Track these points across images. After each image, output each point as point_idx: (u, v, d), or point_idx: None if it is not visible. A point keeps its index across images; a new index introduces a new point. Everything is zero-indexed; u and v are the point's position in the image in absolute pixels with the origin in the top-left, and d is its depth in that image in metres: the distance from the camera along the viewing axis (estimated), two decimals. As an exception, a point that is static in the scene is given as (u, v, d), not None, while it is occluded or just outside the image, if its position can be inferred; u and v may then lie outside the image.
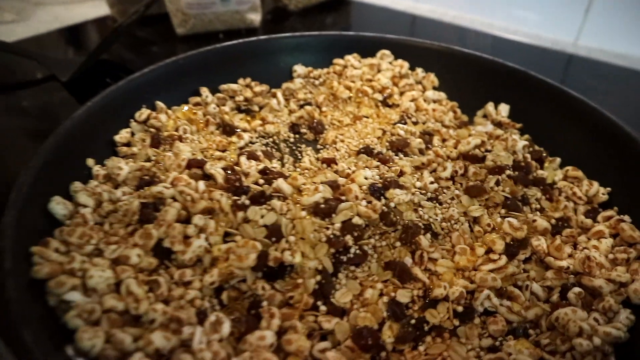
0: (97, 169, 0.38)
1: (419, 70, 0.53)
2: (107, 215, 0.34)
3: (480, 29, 0.83)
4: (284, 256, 0.30)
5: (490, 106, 0.49)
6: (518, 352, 0.27)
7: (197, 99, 0.48)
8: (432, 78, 0.52)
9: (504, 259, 0.32)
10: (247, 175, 0.38)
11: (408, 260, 0.32)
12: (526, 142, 0.43)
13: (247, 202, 0.33)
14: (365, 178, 0.37)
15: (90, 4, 0.95)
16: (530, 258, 0.34)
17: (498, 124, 0.47)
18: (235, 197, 0.34)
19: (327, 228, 0.32)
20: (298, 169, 0.41)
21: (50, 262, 0.28)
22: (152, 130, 0.43)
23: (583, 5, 0.78)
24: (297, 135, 0.47)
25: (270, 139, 0.47)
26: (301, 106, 0.50)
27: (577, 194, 0.38)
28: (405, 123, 0.46)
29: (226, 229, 0.32)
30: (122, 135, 0.42)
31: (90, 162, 0.39)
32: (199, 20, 0.74)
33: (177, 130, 0.43)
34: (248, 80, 0.51)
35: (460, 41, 0.81)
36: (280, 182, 0.34)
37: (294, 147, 0.46)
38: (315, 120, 0.47)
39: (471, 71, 0.51)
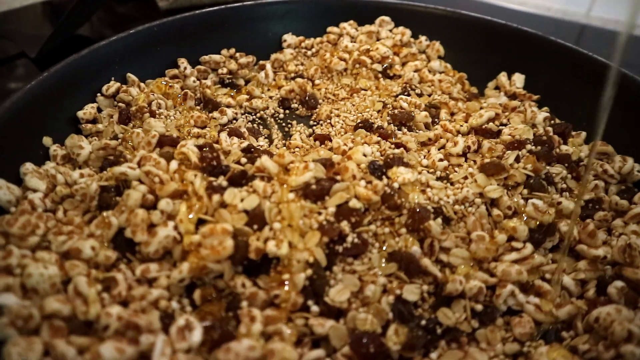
0: (54, 149, 0.34)
1: (423, 38, 0.48)
2: (61, 200, 0.29)
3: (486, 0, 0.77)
4: (268, 247, 0.25)
5: (503, 76, 0.44)
6: (551, 360, 0.22)
7: (174, 71, 0.43)
8: (437, 46, 0.47)
9: (529, 247, 0.28)
10: (227, 153, 0.33)
11: (416, 250, 0.27)
12: (547, 114, 0.38)
13: (225, 183, 0.28)
14: (364, 155, 0.31)
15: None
16: (558, 246, 0.29)
17: (512, 96, 0.43)
18: (212, 178, 0.29)
19: (319, 213, 0.27)
20: (287, 147, 0.36)
21: (-20, 257, 0.23)
22: (121, 105, 0.38)
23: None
24: (287, 111, 0.43)
25: (257, 115, 0.42)
26: (292, 79, 0.45)
27: (609, 171, 0.33)
28: (408, 95, 0.41)
29: (200, 215, 0.27)
30: (87, 111, 0.37)
31: (47, 140, 0.34)
32: (183, -6, 0.69)
33: (149, 105, 0.38)
34: (232, 51, 0.47)
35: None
36: (264, 160, 0.29)
37: (283, 124, 0.41)
38: (307, 94, 0.42)
39: (481, 38, 0.47)
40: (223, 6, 0.47)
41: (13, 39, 0.60)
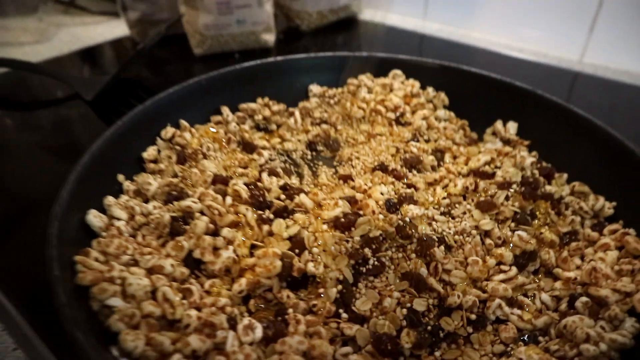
0: (127, 185, 0.41)
1: (430, 90, 0.55)
2: (139, 227, 0.36)
3: (487, 47, 0.85)
4: (308, 267, 0.32)
5: (499, 124, 0.51)
6: (528, 357, 0.29)
7: (218, 118, 0.51)
8: (443, 97, 0.54)
9: (514, 270, 0.34)
10: (269, 190, 0.40)
11: (423, 271, 0.34)
12: (534, 159, 0.45)
13: (271, 216, 0.36)
14: (381, 194, 0.39)
15: (109, 25, 0.99)
16: (539, 269, 0.36)
17: (507, 141, 0.49)
18: (260, 212, 0.36)
19: (347, 241, 0.34)
20: (316, 185, 0.43)
21: (92, 270, 0.30)
22: (177, 147, 0.46)
23: (587, 22, 0.80)
24: (314, 153, 0.50)
25: (288, 156, 0.49)
26: (317, 124, 0.53)
27: (584, 208, 0.40)
28: (417, 141, 0.49)
29: (252, 241, 0.34)
30: (150, 153, 0.45)
31: (120, 177, 0.41)
32: (215, 41, 0.77)
33: (201, 147, 0.46)
34: (266, 99, 0.54)
35: (468, 60, 0.83)
36: (302, 197, 0.36)
37: (311, 164, 0.48)
38: (331, 138, 0.49)
39: (480, 90, 0.53)
40: (258, 61, 0.55)
41: (67, 81, 0.69)
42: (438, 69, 0.56)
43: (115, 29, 0.97)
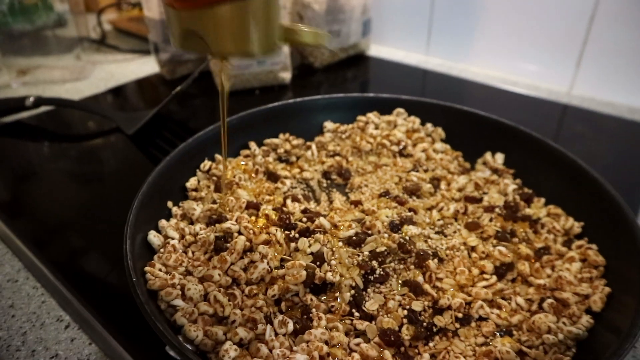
0: (175, 210, 0.49)
1: (429, 125, 0.63)
2: (189, 245, 0.45)
3: (484, 81, 0.93)
4: (327, 276, 0.40)
5: (488, 155, 0.59)
6: (503, 345, 0.36)
7: (246, 152, 0.59)
8: (440, 131, 0.63)
9: (494, 278, 0.42)
10: (292, 214, 0.48)
11: (420, 279, 0.42)
12: (516, 186, 0.53)
13: (297, 235, 0.44)
14: (386, 216, 0.47)
15: (139, 62, 1.09)
16: (516, 278, 0.43)
17: (495, 170, 0.57)
18: (287, 232, 0.44)
19: (358, 255, 0.43)
20: (331, 209, 0.52)
21: (159, 278, 0.38)
22: (214, 178, 0.54)
23: (574, 57, 0.88)
24: (328, 181, 0.58)
25: (307, 184, 0.57)
26: (331, 156, 0.61)
27: (557, 227, 0.48)
28: (417, 171, 0.57)
29: (282, 256, 0.42)
30: (191, 182, 0.53)
31: (169, 204, 0.50)
32: (238, 79, 0.86)
33: (234, 177, 0.54)
34: (287, 135, 0.62)
35: (466, 93, 0.92)
36: (321, 220, 0.45)
37: (326, 191, 0.56)
38: (343, 168, 0.58)
39: (472, 125, 0.61)
40: (281, 102, 0.63)
41: (109, 117, 0.78)
42: (436, 107, 0.64)
43: (145, 65, 1.07)
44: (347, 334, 0.38)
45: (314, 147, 0.61)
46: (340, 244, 0.43)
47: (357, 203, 0.51)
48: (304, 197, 0.53)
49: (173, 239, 0.44)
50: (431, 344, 0.38)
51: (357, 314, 0.39)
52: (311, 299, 0.40)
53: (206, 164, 0.55)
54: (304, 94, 0.67)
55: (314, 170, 0.58)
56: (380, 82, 0.99)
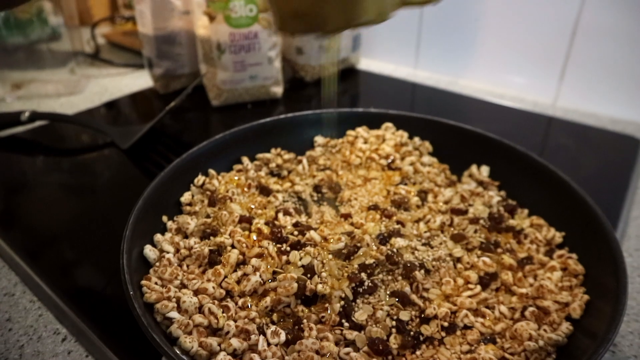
0: (170, 224, 0.51)
1: (417, 139, 0.65)
2: (184, 258, 0.46)
3: (472, 94, 0.96)
4: (317, 288, 0.42)
5: (474, 168, 0.61)
6: (486, 352, 0.38)
7: (239, 166, 0.61)
8: (427, 145, 0.64)
9: (479, 287, 0.44)
10: (284, 227, 0.50)
11: (407, 290, 0.43)
12: (500, 198, 0.55)
13: (288, 248, 0.45)
14: (375, 229, 0.49)
15: (133, 76, 1.10)
16: (499, 287, 0.45)
17: (480, 183, 0.59)
18: (279, 245, 0.46)
19: (348, 267, 0.44)
20: (321, 222, 0.53)
21: (155, 291, 0.40)
22: (207, 192, 0.56)
23: (558, 70, 0.91)
24: (319, 194, 0.59)
25: (299, 198, 0.59)
26: (322, 170, 0.62)
27: (539, 238, 0.49)
28: (405, 184, 0.58)
29: (274, 268, 0.44)
30: (186, 197, 0.55)
31: (164, 218, 0.51)
32: (231, 94, 0.88)
33: (227, 192, 0.56)
34: (279, 149, 0.64)
35: (454, 106, 0.94)
36: (312, 233, 0.46)
37: (317, 204, 0.58)
38: (333, 182, 0.59)
39: (458, 139, 0.63)
40: (273, 117, 0.65)
41: (104, 131, 0.79)
42: (423, 121, 0.66)
43: (138, 79, 1.08)
44: (337, 343, 0.39)
45: (305, 161, 0.62)
46: (331, 256, 0.45)
47: (347, 216, 0.53)
48: (296, 210, 0.54)
49: (168, 252, 0.46)
50: (418, 352, 0.39)
51: (346, 324, 0.40)
52: (302, 310, 0.41)
53: (200, 178, 0.57)
54: (295, 108, 0.69)
55: (305, 184, 0.60)
56: (370, 95, 1.01)
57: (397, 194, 0.56)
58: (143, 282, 0.40)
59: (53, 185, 0.68)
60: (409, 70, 1.10)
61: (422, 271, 0.45)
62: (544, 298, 0.42)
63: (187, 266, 0.45)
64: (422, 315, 0.41)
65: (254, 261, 0.44)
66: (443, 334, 0.40)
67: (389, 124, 0.67)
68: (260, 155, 0.63)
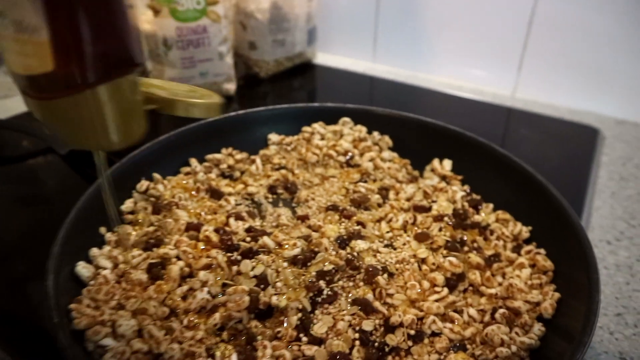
0: (109, 236, 0.46)
1: (376, 134, 0.62)
2: (123, 274, 0.41)
3: (431, 87, 0.94)
4: (272, 300, 0.38)
5: (436, 162, 0.58)
6: (457, 361, 0.35)
7: (187, 169, 0.56)
8: (387, 140, 0.62)
9: (446, 290, 0.41)
10: (235, 234, 0.46)
11: (370, 297, 0.40)
12: (464, 193, 0.52)
13: (239, 257, 0.41)
14: (334, 232, 0.45)
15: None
16: (467, 288, 0.42)
17: (443, 177, 0.57)
18: (229, 254, 0.42)
19: (305, 275, 0.40)
20: (277, 225, 0.49)
21: (86, 315, 0.35)
22: (152, 199, 0.51)
23: (516, 62, 0.90)
24: (274, 195, 0.55)
25: (252, 200, 0.55)
26: (277, 169, 0.59)
27: (506, 233, 0.47)
28: (365, 181, 0.55)
29: (224, 280, 0.40)
30: (127, 205, 0.50)
31: (103, 230, 0.46)
32: (180, 92, 0.83)
33: (173, 197, 0.51)
34: (230, 149, 0.60)
35: (414, 100, 0.92)
36: (265, 239, 0.42)
37: (272, 206, 0.54)
38: (289, 182, 0.56)
39: (418, 132, 0.60)
40: (223, 115, 0.61)
41: (40, 136, 0.73)
42: (381, 115, 0.63)
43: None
44: (295, 361, 0.36)
45: (258, 160, 0.59)
46: (286, 264, 0.41)
47: (304, 218, 0.49)
48: (249, 214, 0.50)
49: (105, 269, 0.41)
50: (384, 365, 0.36)
51: (305, 338, 0.37)
52: (256, 326, 0.37)
53: (143, 184, 0.52)
54: (250, 105, 0.65)
55: (259, 185, 0.56)
56: (328, 90, 0.98)
57: (356, 192, 0.53)
58: (72, 305, 0.36)
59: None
60: (367, 64, 1.07)
61: (385, 275, 0.42)
62: (514, 298, 0.40)
63: (127, 282, 0.40)
64: (387, 324, 0.38)
65: (201, 274, 0.39)
66: (410, 343, 0.37)
67: (347, 119, 0.63)
68: (210, 156, 0.58)
